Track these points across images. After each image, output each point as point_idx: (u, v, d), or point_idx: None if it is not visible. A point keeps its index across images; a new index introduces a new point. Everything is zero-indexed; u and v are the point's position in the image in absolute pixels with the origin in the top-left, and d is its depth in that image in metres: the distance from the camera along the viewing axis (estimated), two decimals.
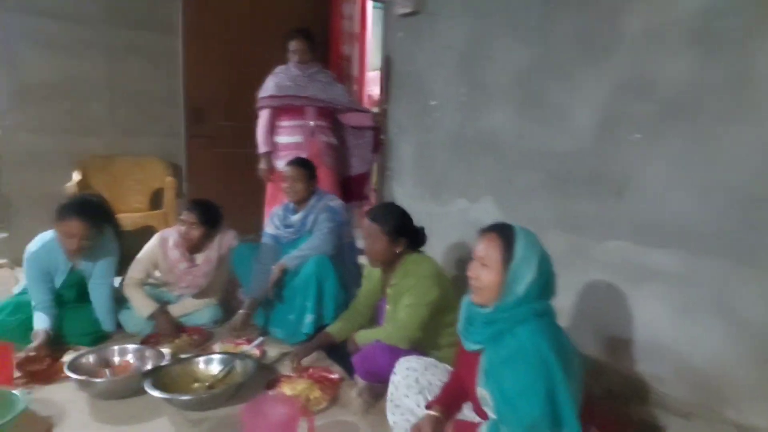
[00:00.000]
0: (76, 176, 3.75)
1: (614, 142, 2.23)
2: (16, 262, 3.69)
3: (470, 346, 1.58)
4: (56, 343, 2.48)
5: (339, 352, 2.32)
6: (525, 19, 2.56)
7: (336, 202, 2.90)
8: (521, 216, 2.60)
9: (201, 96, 3.52)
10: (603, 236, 2.30)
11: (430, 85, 3.15)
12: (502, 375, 1.46)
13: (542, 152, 2.53)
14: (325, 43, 3.91)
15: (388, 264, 2.23)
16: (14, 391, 1.94)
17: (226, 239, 2.94)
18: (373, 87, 3.98)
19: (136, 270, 2.79)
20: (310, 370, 2.27)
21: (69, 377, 2.11)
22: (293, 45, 3.29)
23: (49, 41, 3.75)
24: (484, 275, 1.52)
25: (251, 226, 3.44)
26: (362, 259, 2.80)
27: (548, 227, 2.50)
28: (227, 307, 3.01)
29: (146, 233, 3.55)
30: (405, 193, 3.42)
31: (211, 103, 3.55)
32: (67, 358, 2.32)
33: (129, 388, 2.13)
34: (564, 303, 2.45)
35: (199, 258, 2.88)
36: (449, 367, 1.84)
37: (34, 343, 2.35)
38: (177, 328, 2.73)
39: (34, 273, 2.53)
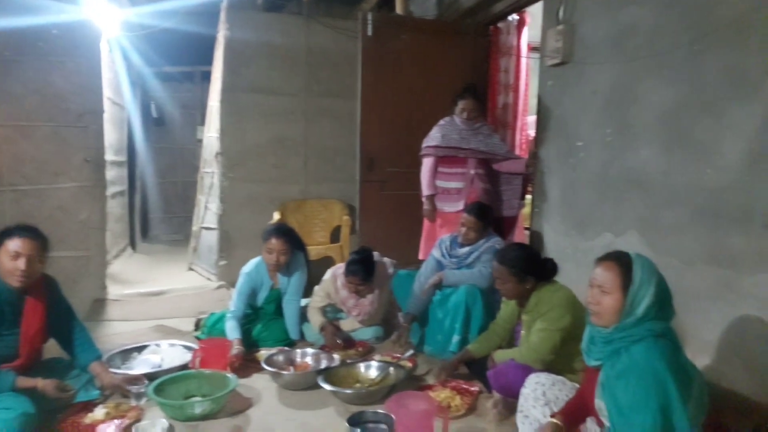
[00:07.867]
0: (276, 216, 4.63)
1: (766, 177, 2.18)
2: (233, 284, 4.64)
3: (591, 363, 1.74)
4: (254, 345, 3.14)
5: (479, 368, 2.57)
6: (670, 61, 2.63)
7: (501, 246, 3.16)
8: (667, 249, 2.61)
9: (373, 148, 4.13)
10: (754, 269, 2.22)
11: (576, 127, 3.31)
12: (615, 388, 1.61)
13: (689, 188, 2.53)
14: (484, 93, 4.30)
15: (522, 299, 2.44)
16: (228, 375, 2.60)
17: (384, 269, 3.39)
18: (531, 131, 4.26)
19: (316, 299, 3.37)
20: (453, 382, 2.55)
21: (264, 370, 2.71)
22: (464, 103, 3.61)
23: (264, 111, 4.79)
24: (605, 301, 1.68)
25: (413, 258, 3.87)
26: None
27: (696, 260, 2.49)
28: (388, 326, 3.46)
29: (327, 262, 4.24)
30: (552, 229, 3.55)
31: (381, 153, 4.14)
32: (263, 353, 2.97)
33: (307, 382, 2.67)
34: (711, 336, 2.38)
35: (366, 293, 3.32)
36: (577, 385, 1.98)
37: (236, 351, 2.85)
38: (348, 341, 3.20)
39: (244, 287, 3.26)
